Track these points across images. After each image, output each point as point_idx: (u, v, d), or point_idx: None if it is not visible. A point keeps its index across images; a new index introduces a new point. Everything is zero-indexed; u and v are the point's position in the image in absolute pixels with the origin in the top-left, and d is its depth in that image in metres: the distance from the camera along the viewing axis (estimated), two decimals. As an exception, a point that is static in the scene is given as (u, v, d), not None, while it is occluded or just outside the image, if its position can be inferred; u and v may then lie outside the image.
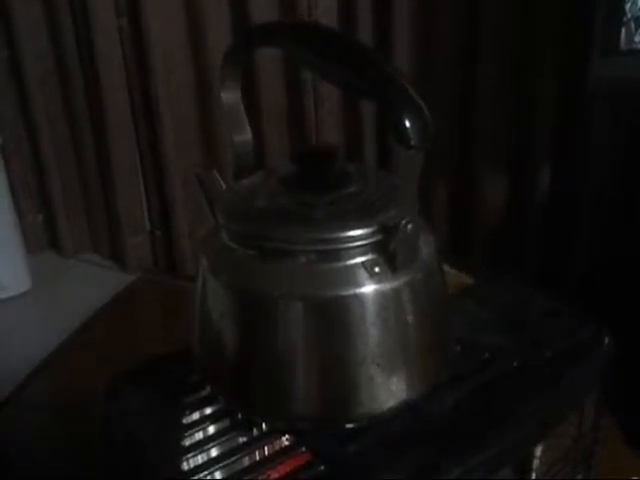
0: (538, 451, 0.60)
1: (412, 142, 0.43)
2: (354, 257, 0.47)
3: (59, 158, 1.46)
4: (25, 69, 1.37)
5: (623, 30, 0.93)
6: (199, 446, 0.51)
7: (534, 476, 0.61)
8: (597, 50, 1.04)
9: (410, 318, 0.49)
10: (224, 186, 0.53)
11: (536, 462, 0.61)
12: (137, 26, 1.28)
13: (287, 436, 0.52)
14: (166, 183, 1.38)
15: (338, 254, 0.47)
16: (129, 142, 1.39)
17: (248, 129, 0.55)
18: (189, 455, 0.50)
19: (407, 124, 0.42)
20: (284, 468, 0.49)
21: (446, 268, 0.58)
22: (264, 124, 1.31)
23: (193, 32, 1.29)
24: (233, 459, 0.50)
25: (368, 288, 0.47)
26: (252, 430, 0.53)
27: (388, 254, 0.47)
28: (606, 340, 0.62)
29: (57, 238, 1.51)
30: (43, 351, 1.18)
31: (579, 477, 0.66)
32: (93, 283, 1.42)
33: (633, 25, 0.93)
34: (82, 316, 1.28)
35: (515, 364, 0.58)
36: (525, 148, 1.22)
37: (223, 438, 0.52)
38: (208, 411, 0.55)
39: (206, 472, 0.49)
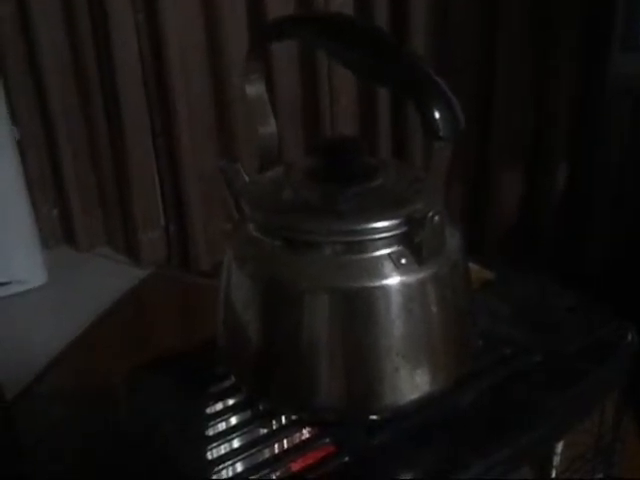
0: (559, 447, 0.60)
1: (441, 133, 0.42)
2: (380, 249, 0.47)
3: (75, 153, 1.46)
4: (42, 64, 1.38)
5: (643, 27, 0.93)
6: (222, 437, 0.52)
7: (554, 473, 0.61)
8: (617, 46, 1.04)
9: (435, 310, 0.49)
10: (247, 179, 0.53)
11: (557, 459, 0.61)
12: (154, 21, 1.28)
13: (309, 428, 0.52)
14: (181, 178, 1.38)
15: (364, 246, 0.47)
16: (145, 137, 1.40)
17: (273, 121, 0.56)
18: (213, 445, 0.51)
19: (436, 115, 0.42)
20: (308, 459, 0.49)
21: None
22: (279, 120, 1.31)
23: (209, 27, 1.29)
24: (256, 450, 0.51)
25: (394, 280, 0.47)
26: (273, 422, 0.53)
27: (414, 246, 0.47)
28: (629, 337, 0.61)
29: (72, 233, 1.51)
30: (58, 344, 1.18)
31: (599, 474, 0.66)
32: (108, 277, 1.43)
33: (653, 22, 0.93)
34: (97, 310, 1.29)
35: (537, 360, 0.58)
36: (543, 146, 1.21)
37: (245, 429, 0.53)
38: (231, 402, 0.55)
39: (229, 462, 0.49)
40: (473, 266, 0.67)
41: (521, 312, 0.63)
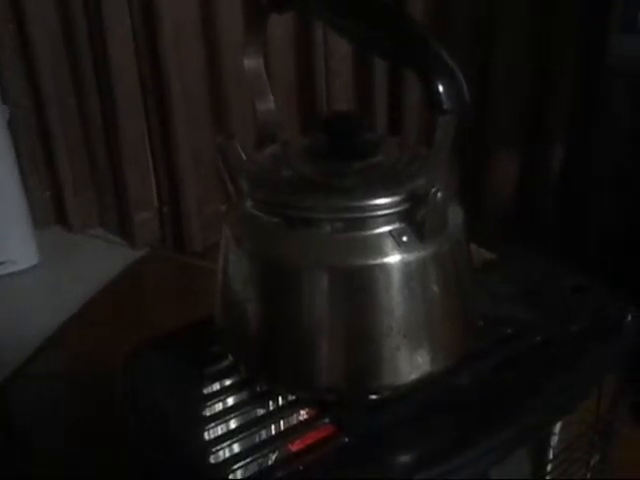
0: (557, 428, 0.60)
1: (445, 106, 0.41)
2: (381, 226, 0.46)
3: (67, 133, 1.44)
4: (32, 40, 1.35)
5: (642, 9, 0.92)
6: (219, 417, 0.51)
7: (551, 453, 0.61)
8: (616, 28, 1.02)
9: (436, 289, 0.48)
10: (244, 156, 0.52)
11: (554, 439, 0.60)
12: (147, -2, 1.26)
13: (306, 409, 0.52)
14: (175, 158, 1.36)
15: (365, 223, 0.46)
16: (138, 116, 1.38)
17: (271, 97, 0.54)
18: (210, 426, 0.50)
19: (440, 88, 0.41)
20: (307, 440, 0.49)
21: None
22: (275, 100, 1.29)
23: (204, 4, 1.27)
24: (254, 430, 0.50)
25: (395, 257, 0.46)
26: (270, 402, 0.53)
27: (416, 223, 0.46)
28: (629, 318, 0.61)
29: (65, 213, 1.50)
30: (51, 325, 1.18)
31: (596, 454, 0.66)
32: (101, 258, 1.42)
33: (653, 3, 0.91)
34: (90, 291, 1.28)
35: (539, 339, 0.58)
36: (540, 128, 1.20)
37: (243, 410, 0.52)
38: (227, 382, 0.54)
39: (227, 443, 0.49)
40: (473, 246, 0.67)
41: (522, 292, 0.63)
